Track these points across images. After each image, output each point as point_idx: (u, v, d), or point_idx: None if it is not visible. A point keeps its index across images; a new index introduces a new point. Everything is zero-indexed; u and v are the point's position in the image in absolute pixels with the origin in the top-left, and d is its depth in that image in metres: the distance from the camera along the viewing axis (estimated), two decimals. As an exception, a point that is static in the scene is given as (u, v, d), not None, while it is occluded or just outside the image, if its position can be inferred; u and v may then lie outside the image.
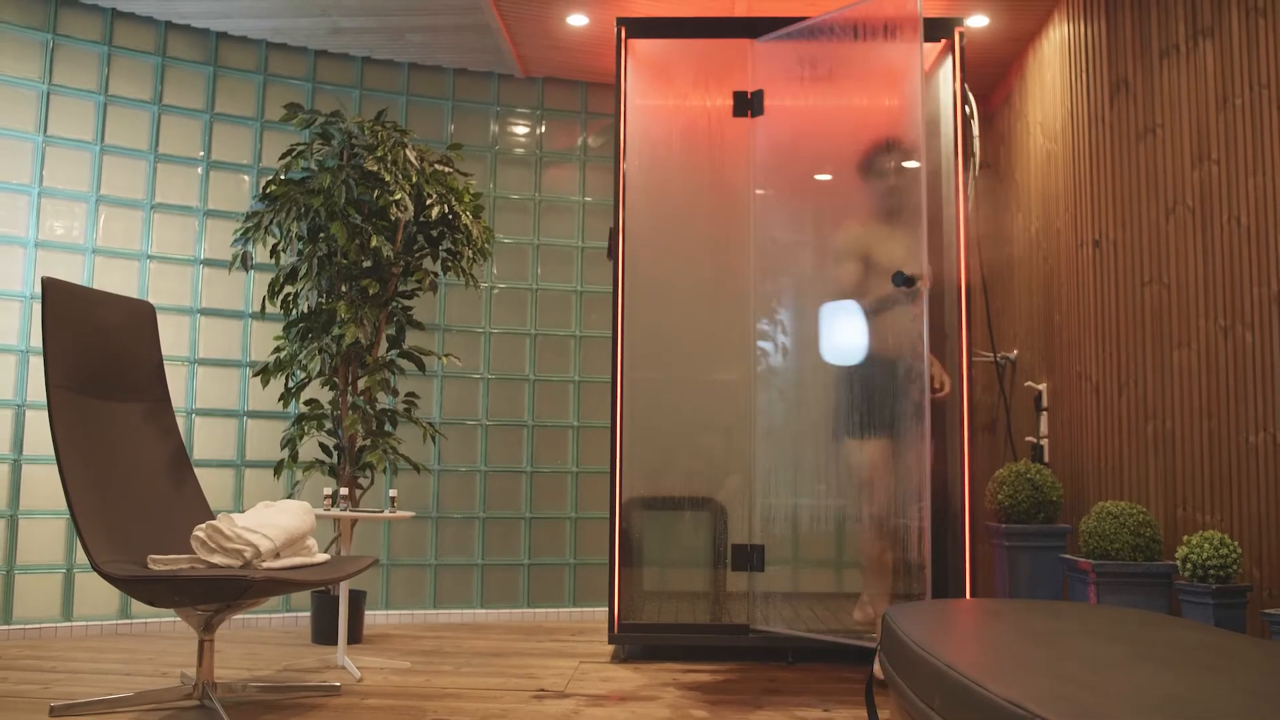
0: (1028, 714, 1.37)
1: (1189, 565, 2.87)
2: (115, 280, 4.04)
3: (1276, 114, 2.96)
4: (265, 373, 3.81)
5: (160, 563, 2.57)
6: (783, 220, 3.64)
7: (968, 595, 3.41)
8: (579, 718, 2.70)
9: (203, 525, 2.64)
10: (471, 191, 4.01)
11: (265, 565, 2.64)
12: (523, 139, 4.75)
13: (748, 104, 3.72)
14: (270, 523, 2.73)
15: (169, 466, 3.04)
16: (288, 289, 3.85)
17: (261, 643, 3.80)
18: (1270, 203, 2.99)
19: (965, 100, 3.71)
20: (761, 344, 3.64)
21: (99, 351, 2.93)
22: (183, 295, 4.20)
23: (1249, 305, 3.07)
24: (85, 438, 2.78)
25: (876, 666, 2.22)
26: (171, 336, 4.04)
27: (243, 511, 3.10)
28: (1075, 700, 1.43)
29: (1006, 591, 3.53)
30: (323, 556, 2.89)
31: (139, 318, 3.14)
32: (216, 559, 2.60)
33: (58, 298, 2.83)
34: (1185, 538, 2.94)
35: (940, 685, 1.69)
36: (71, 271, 3.95)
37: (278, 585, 2.64)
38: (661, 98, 3.93)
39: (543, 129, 4.76)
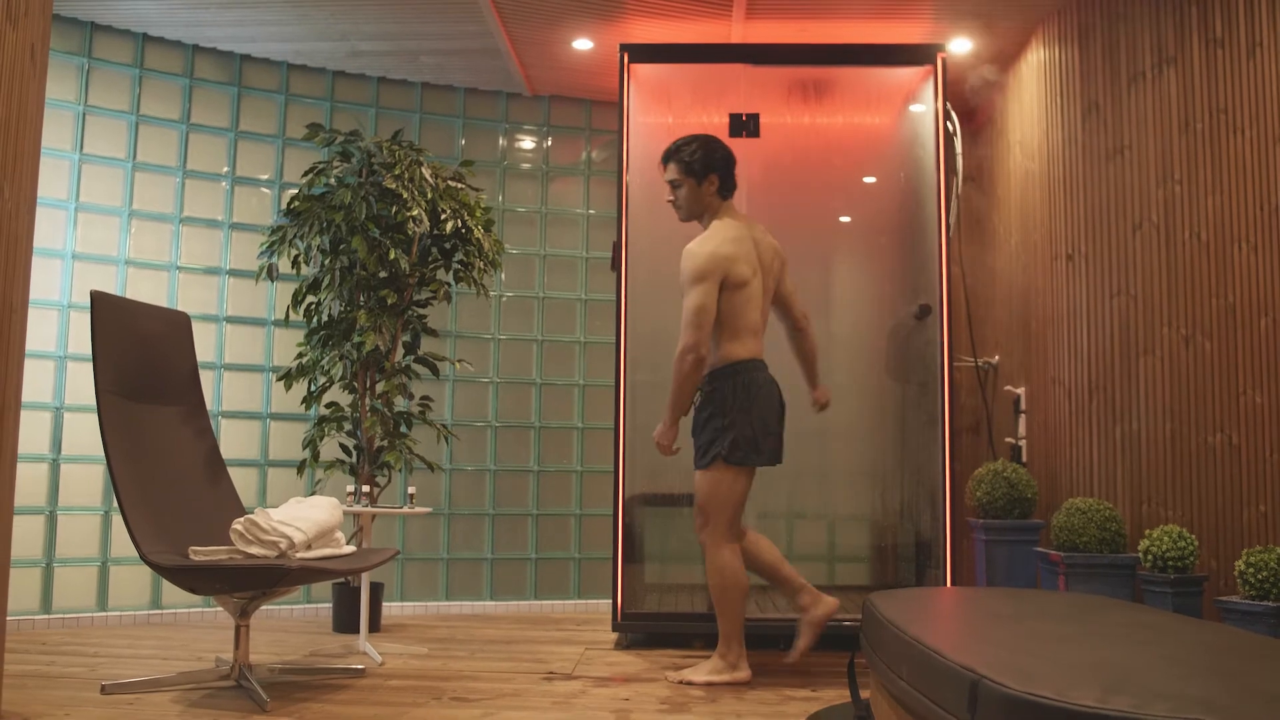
0: (977, 676, 1.60)
1: (1150, 557, 3.10)
2: (146, 290, 4.27)
3: (1234, 138, 3.19)
4: (288, 377, 4.04)
5: (202, 554, 2.79)
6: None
7: (948, 585, 3.64)
8: (586, 696, 2.92)
9: (240, 519, 2.87)
10: (483, 206, 4.23)
11: (298, 556, 2.86)
12: (530, 154, 4.97)
13: (743, 125, 3.95)
14: (302, 516, 2.95)
15: (205, 466, 3.27)
16: (310, 299, 4.07)
17: (286, 631, 4.02)
18: (1228, 220, 3.22)
19: (947, 118, 3.94)
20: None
21: (142, 359, 3.16)
22: (209, 304, 4.43)
23: (1208, 316, 3.30)
24: (131, 439, 3.01)
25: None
26: (199, 343, 4.25)
27: (270, 508, 3.32)
28: (1020, 666, 1.65)
29: (984, 582, 3.75)
30: (350, 548, 3.11)
31: (177, 327, 3.37)
32: (254, 550, 2.83)
33: (105, 310, 3.05)
34: (1147, 531, 3.17)
35: (907, 656, 1.92)
36: (106, 282, 4.17)
37: (311, 574, 2.86)
38: (662, 116, 4.16)
39: (549, 144, 4.98)
